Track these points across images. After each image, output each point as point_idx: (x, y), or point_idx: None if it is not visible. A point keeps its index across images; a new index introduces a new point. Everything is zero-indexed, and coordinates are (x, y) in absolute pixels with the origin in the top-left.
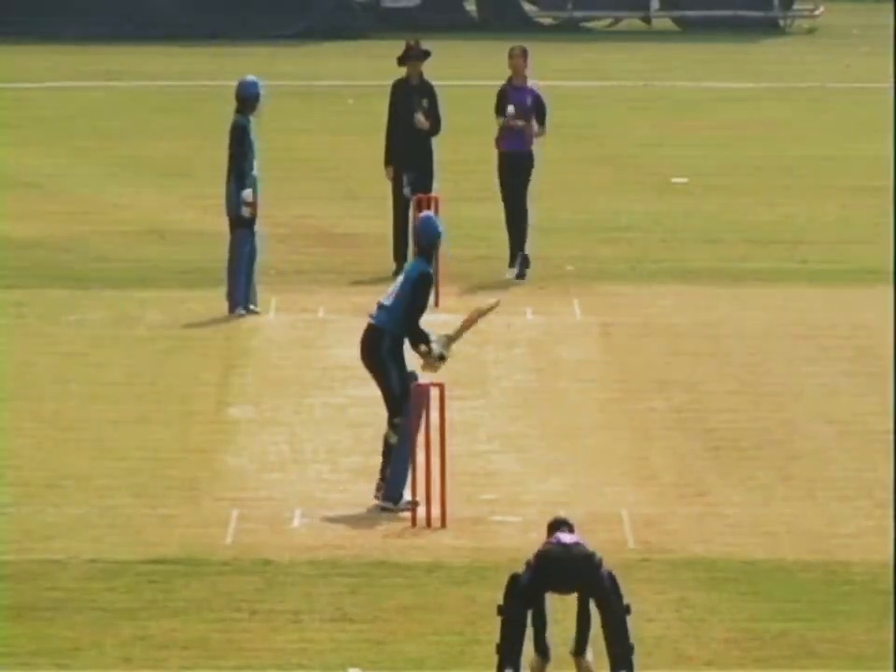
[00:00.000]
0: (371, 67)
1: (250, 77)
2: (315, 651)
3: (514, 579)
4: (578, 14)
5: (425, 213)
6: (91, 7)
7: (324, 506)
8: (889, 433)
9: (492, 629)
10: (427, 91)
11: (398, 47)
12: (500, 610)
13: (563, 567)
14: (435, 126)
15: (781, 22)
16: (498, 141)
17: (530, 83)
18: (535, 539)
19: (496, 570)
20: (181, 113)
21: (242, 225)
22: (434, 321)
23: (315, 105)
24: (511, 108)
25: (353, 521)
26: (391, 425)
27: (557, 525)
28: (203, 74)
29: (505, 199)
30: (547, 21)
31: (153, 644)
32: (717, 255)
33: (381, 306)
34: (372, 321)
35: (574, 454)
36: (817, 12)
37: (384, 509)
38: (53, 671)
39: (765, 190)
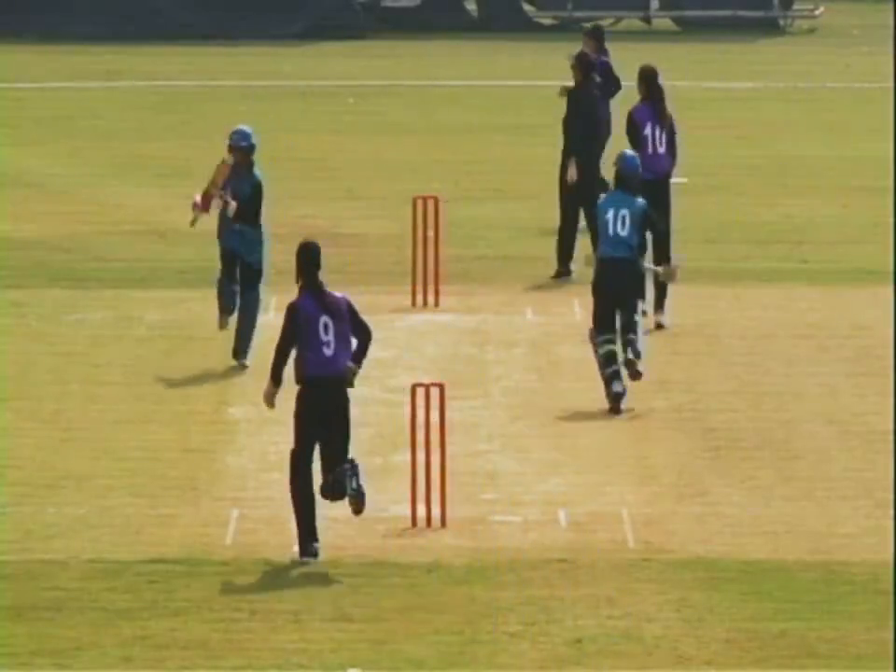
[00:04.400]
0: (371, 67)
1: (238, 126)
2: (314, 651)
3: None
4: (578, 14)
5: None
6: (91, 7)
7: (324, 506)
8: (889, 433)
9: (492, 629)
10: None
11: (398, 47)
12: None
13: None
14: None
15: (781, 22)
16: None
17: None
18: (535, 539)
19: (496, 570)
20: (181, 113)
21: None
22: (435, 321)
23: (315, 105)
24: None
25: (353, 521)
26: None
27: None
28: (203, 74)
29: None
30: (547, 20)
31: (153, 644)
32: (717, 255)
33: (617, 239)
34: (621, 255)
35: (574, 454)
36: (817, 12)
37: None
38: (53, 671)
39: (765, 190)
